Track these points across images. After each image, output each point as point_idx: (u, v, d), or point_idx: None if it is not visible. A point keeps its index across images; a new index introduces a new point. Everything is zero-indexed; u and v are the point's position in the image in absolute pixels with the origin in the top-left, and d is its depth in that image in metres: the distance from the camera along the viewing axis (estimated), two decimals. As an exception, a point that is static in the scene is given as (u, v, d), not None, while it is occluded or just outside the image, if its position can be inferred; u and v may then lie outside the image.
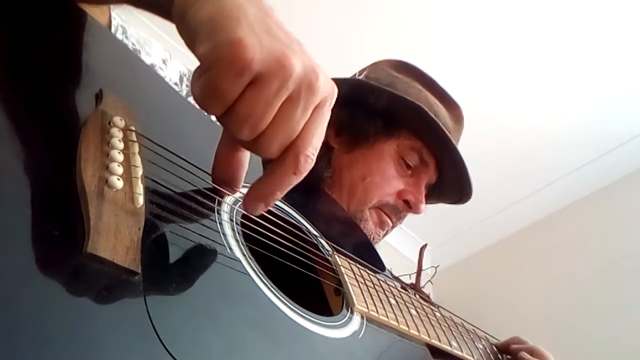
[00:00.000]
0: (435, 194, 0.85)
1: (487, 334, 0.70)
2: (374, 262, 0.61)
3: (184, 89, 0.71)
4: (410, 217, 0.96)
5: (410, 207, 0.78)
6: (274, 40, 0.33)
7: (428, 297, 2.03)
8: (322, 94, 0.35)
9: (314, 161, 0.36)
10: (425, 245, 2.19)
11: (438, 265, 2.35)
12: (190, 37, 0.34)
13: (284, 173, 0.36)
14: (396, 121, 0.78)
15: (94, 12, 0.44)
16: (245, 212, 0.41)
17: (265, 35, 0.32)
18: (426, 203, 0.91)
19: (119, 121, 0.36)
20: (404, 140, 0.78)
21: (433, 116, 0.76)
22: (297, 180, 0.36)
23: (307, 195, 0.65)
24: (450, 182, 0.83)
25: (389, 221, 0.78)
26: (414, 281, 2.11)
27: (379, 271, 0.60)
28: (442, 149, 0.78)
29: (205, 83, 0.32)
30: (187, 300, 0.31)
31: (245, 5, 0.33)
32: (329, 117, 0.37)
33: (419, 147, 0.78)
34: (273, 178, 0.36)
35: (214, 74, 0.31)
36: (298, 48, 0.34)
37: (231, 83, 0.31)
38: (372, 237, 0.76)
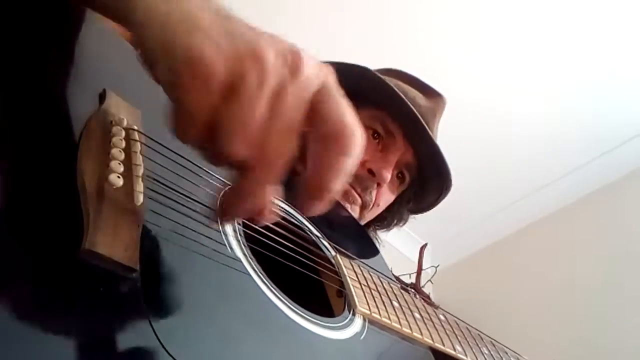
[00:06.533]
0: (419, 188, 0.84)
1: (492, 339, 0.69)
2: (374, 262, 0.61)
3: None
4: (410, 217, 0.96)
5: (374, 175, 0.76)
6: (237, 38, 0.29)
7: (428, 297, 2.02)
8: (314, 74, 0.30)
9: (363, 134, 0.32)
10: (425, 245, 2.19)
11: (438, 265, 2.35)
12: (150, 67, 0.30)
13: (336, 154, 0.31)
14: (361, 97, 0.77)
15: None
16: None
17: (225, 37, 0.28)
18: (414, 207, 0.89)
19: (122, 120, 0.36)
20: (366, 112, 0.77)
21: (394, 88, 0.75)
22: (351, 160, 0.32)
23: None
24: (428, 167, 0.80)
25: (352, 190, 0.76)
26: (414, 281, 2.11)
27: (383, 273, 0.60)
28: (407, 122, 0.76)
29: (176, 110, 0.28)
30: (185, 299, 0.31)
31: (198, 14, 0.29)
32: (342, 92, 0.32)
33: (382, 115, 0.77)
34: (325, 164, 0.31)
35: (180, 95, 0.27)
36: (268, 38, 0.30)
37: (200, 98, 0.27)
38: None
